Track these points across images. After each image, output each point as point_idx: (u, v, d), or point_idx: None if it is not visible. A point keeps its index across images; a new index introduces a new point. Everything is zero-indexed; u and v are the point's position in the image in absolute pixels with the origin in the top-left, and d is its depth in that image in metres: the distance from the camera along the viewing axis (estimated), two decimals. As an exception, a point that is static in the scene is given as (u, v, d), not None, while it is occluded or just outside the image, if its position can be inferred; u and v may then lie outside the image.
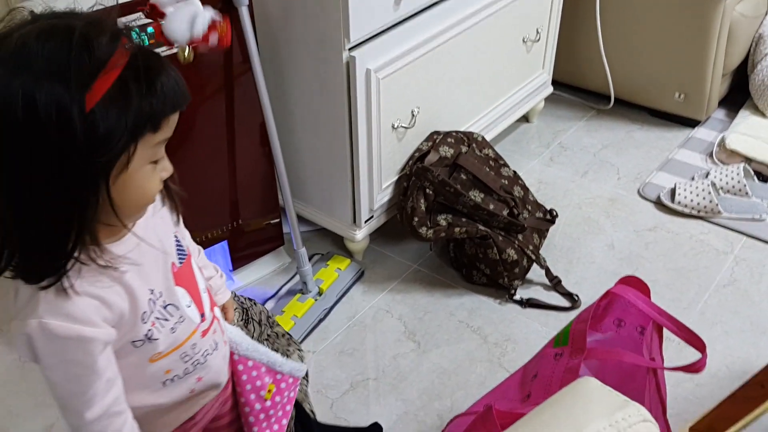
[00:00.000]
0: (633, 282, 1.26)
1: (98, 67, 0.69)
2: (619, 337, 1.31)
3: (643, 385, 1.16)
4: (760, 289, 1.79)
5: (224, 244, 1.70)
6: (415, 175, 1.77)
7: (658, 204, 2.10)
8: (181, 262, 0.89)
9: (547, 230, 1.91)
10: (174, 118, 0.76)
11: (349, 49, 1.57)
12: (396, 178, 1.84)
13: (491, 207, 1.75)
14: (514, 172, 1.93)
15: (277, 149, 1.59)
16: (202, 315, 0.90)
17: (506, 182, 1.86)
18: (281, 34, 1.66)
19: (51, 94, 0.66)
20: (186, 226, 0.97)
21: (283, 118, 1.77)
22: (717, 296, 1.77)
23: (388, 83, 1.65)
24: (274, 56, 1.70)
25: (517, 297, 1.76)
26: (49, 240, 0.71)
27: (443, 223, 1.75)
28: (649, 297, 1.25)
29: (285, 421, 1.12)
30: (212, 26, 1.18)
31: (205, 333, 0.91)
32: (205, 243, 1.66)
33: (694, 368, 1.13)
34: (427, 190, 1.76)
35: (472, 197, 1.74)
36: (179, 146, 1.49)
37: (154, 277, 0.84)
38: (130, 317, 0.80)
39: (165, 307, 0.84)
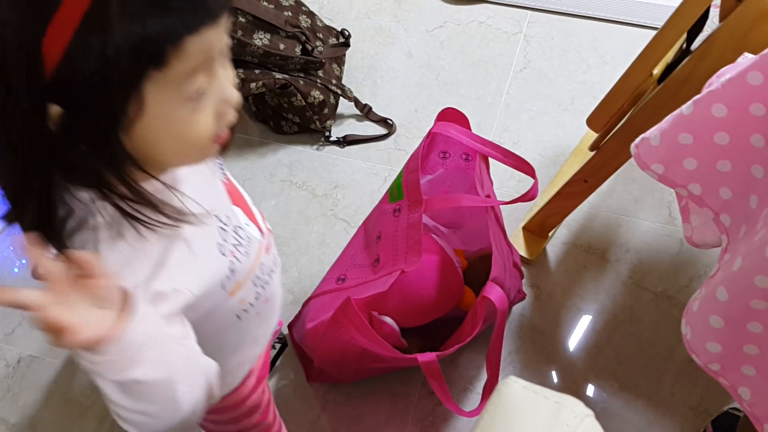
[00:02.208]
0: (451, 115, 1.22)
1: None
2: (447, 172, 1.31)
3: (484, 219, 1.18)
4: (553, 65, 1.84)
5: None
6: (188, 34, 1.54)
7: (443, -6, 2.03)
8: (223, 179, 0.75)
9: (344, 55, 1.80)
10: (205, 38, 0.52)
11: None
12: (166, 39, 1.60)
13: (282, 48, 1.60)
14: (294, -2, 1.76)
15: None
16: (260, 230, 0.79)
17: (290, 14, 1.69)
18: None
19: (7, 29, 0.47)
20: None
21: None
22: (516, 83, 1.80)
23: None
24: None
25: (333, 138, 1.68)
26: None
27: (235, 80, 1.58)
28: (468, 127, 1.23)
29: None
30: None
31: (267, 249, 0.80)
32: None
33: (529, 196, 1.15)
34: (207, 48, 1.55)
35: (258, 42, 1.57)
36: None
37: (216, 202, 0.70)
38: (201, 262, 0.67)
39: (236, 232, 0.72)
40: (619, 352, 1.33)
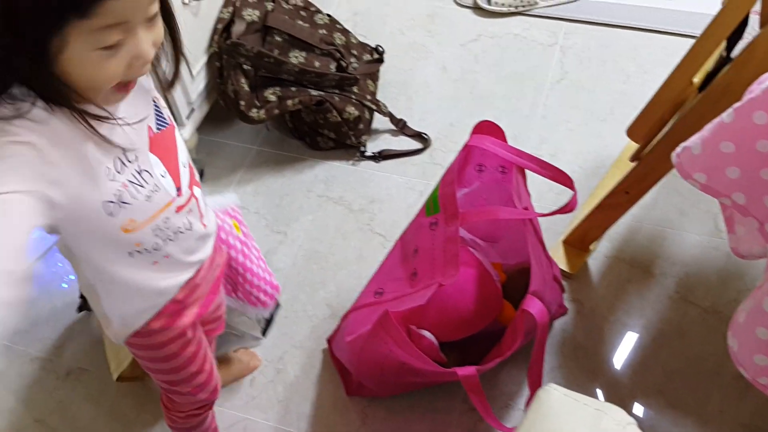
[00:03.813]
0: (486, 127, 1.21)
1: None
2: (484, 185, 1.30)
3: (522, 232, 1.16)
4: (590, 75, 1.82)
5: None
6: (226, 53, 1.57)
7: (476, 9, 2.03)
8: (159, 129, 0.82)
9: (379, 71, 1.81)
10: (126, 3, 0.63)
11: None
12: (205, 58, 1.63)
13: (317, 66, 1.61)
14: (329, 16, 1.77)
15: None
16: (178, 189, 0.85)
17: (325, 32, 1.70)
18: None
19: None
20: None
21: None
22: (553, 94, 1.79)
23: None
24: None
25: (368, 153, 1.69)
26: None
27: (273, 98, 1.60)
28: (504, 139, 1.22)
29: (255, 243, 1.27)
30: None
31: (180, 209, 0.85)
32: None
33: (568, 208, 1.13)
34: (245, 66, 1.58)
35: (294, 60, 1.58)
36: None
37: (128, 137, 0.77)
38: (85, 167, 0.72)
39: (139, 173, 0.78)
40: (666, 369, 1.30)
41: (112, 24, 0.64)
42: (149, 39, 0.69)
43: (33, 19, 0.61)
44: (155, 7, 0.69)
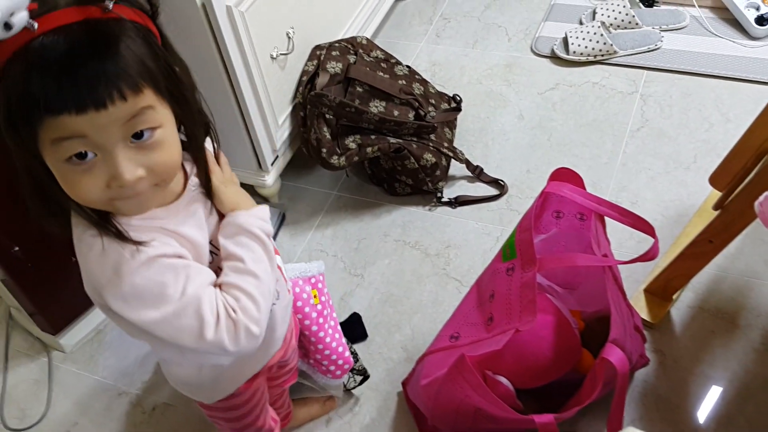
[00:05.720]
0: (564, 174, 1.22)
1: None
2: (562, 231, 1.29)
3: (602, 280, 1.15)
4: (672, 123, 1.80)
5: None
6: (310, 103, 1.63)
7: (554, 58, 2.05)
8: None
9: (456, 119, 1.84)
10: (68, 122, 0.61)
11: (200, -12, 1.38)
12: (290, 108, 1.70)
13: (396, 114, 1.66)
14: (408, 67, 1.83)
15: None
16: None
17: (404, 82, 1.75)
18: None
19: None
20: None
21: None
22: (634, 142, 1.77)
23: (252, 14, 1.48)
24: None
25: (445, 198, 1.71)
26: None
27: (353, 146, 1.65)
28: (583, 186, 1.22)
29: (335, 314, 1.28)
30: None
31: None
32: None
33: (649, 256, 1.12)
34: (327, 116, 1.64)
35: (374, 109, 1.64)
36: None
37: (212, 230, 0.82)
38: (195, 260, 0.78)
39: None
40: (752, 423, 1.24)
41: (63, 137, 0.62)
42: (133, 160, 0.66)
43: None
44: (139, 125, 0.65)
